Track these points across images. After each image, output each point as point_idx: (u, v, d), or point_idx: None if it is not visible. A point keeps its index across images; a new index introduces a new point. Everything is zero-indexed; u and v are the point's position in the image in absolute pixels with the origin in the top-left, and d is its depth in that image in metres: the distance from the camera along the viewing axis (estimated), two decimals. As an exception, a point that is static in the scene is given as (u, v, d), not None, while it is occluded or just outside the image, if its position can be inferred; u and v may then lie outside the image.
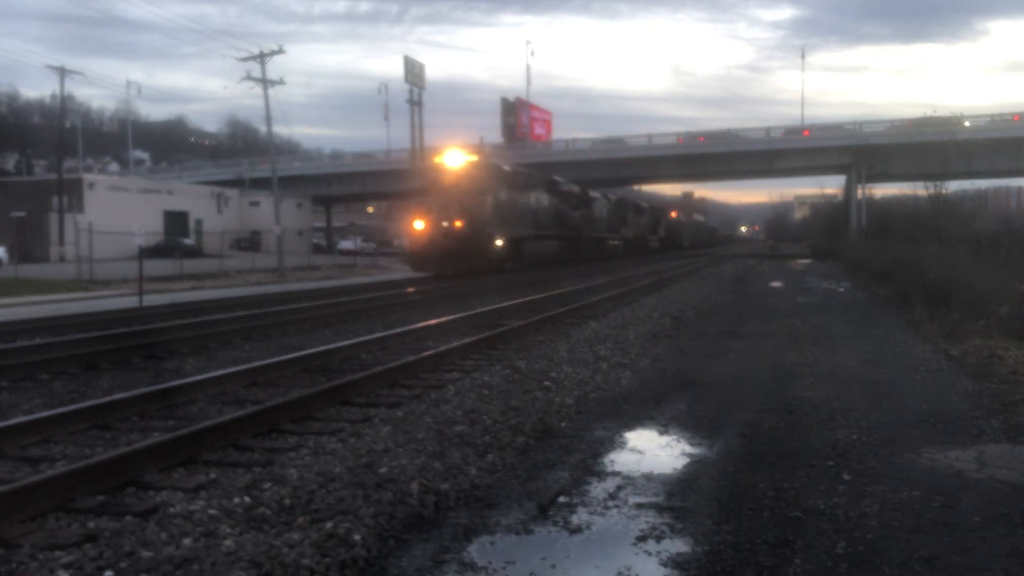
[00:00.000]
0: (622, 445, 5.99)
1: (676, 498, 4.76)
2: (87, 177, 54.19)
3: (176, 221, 53.86)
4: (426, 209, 28.68)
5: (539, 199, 35.14)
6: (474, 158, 30.71)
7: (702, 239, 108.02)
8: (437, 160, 30.77)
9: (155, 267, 28.45)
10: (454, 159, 29.85)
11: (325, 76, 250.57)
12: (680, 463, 5.51)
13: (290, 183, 62.59)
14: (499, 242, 29.18)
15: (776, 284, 25.09)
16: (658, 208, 76.49)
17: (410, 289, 22.51)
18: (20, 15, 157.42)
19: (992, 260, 16.74)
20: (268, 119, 41.80)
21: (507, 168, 32.67)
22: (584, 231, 42.26)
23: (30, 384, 8.81)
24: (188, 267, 33.09)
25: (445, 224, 27.78)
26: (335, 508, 4.33)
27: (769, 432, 6.26)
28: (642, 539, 4.14)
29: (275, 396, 7.69)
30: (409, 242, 30.76)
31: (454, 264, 27.41)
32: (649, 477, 5.17)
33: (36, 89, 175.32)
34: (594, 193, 46.88)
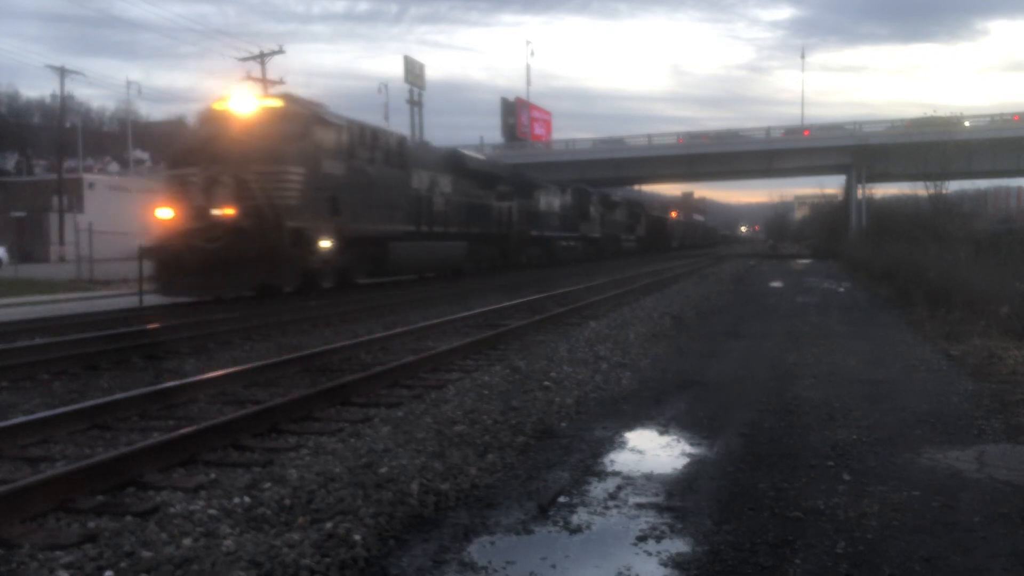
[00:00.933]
0: (622, 445, 5.99)
1: (676, 498, 4.76)
2: (87, 177, 54.22)
3: (176, 221, 53.72)
4: (182, 189, 16.55)
5: (429, 179, 23.65)
6: (277, 104, 18.02)
7: (696, 239, 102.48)
8: (215, 107, 17.77)
9: (155, 267, 28.39)
10: (241, 104, 17.51)
11: (324, 76, 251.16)
12: (680, 463, 5.51)
13: (290, 183, 62.37)
14: (324, 243, 17.53)
15: (776, 284, 25.10)
16: (635, 202, 66.19)
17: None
18: (20, 15, 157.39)
19: (992, 260, 16.76)
20: (268, 119, 41.69)
21: (343, 123, 19.02)
22: (517, 227, 32.01)
23: (30, 384, 8.80)
24: (188, 267, 33.00)
25: (213, 213, 16.07)
26: (335, 508, 4.32)
27: (769, 432, 6.26)
28: (642, 539, 4.14)
29: (275, 396, 7.69)
30: (155, 245, 16.90)
31: (229, 282, 16.10)
32: (649, 477, 5.17)
33: (36, 89, 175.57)
34: (541, 180, 38.06)
